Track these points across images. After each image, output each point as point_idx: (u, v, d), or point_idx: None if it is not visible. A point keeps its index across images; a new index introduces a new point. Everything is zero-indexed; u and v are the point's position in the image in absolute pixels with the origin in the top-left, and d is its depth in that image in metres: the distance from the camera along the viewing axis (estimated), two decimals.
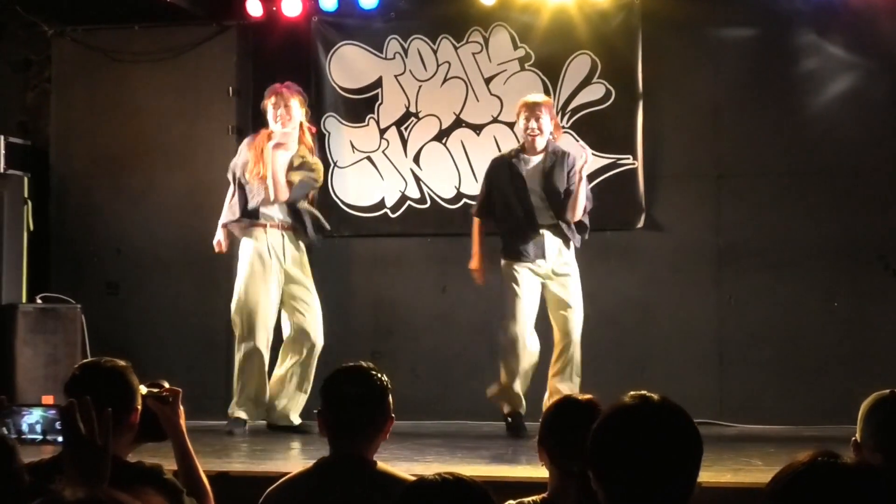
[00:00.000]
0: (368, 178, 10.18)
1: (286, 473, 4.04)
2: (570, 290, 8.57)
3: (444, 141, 10.08)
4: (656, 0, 9.63)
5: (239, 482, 5.79)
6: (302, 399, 8.78)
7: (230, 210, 8.98)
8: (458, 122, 10.07)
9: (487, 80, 10.04)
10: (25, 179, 10.21)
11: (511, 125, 9.92)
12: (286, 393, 8.79)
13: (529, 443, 3.83)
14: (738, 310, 9.56)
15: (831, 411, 8.43)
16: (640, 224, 9.66)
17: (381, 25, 10.21)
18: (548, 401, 8.07)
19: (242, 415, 8.80)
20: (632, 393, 2.71)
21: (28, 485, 3.01)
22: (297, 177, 8.84)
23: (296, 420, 8.80)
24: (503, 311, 8.62)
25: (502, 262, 8.67)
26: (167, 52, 10.38)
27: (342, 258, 10.25)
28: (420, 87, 10.14)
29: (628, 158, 9.67)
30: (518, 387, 8.53)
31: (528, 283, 8.55)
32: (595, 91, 9.77)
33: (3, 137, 10.13)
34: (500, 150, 9.91)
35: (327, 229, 9.24)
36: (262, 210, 8.86)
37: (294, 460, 7.14)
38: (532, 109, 8.62)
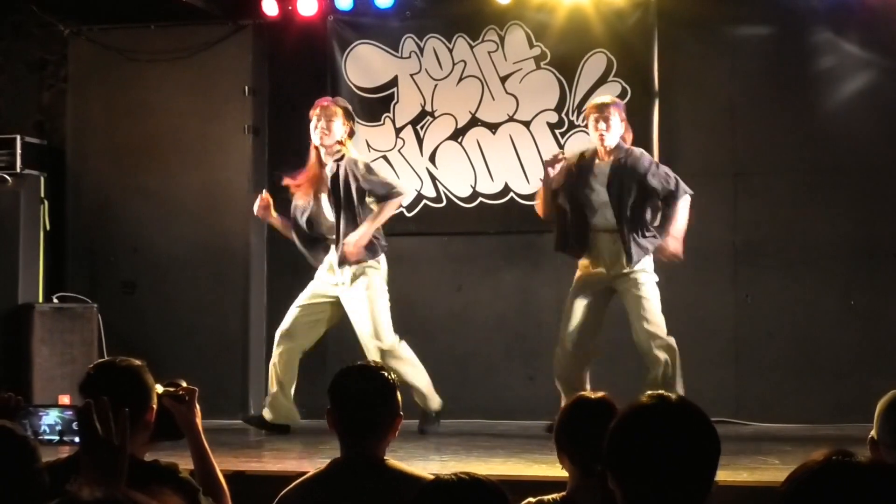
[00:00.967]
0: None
1: (302, 473, 4.04)
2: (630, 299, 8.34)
3: (459, 140, 10.07)
4: None
5: (255, 481, 5.79)
6: None
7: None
8: (474, 121, 10.06)
9: (503, 79, 10.03)
10: (42, 179, 10.24)
11: (527, 124, 9.93)
12: None
13: (545, 441, 3.82)
14: (755, 308, 9.55)
15: (848, 409, 8.42)
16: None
17: (397, 24, 10.21)
18: None
19: None
20: (649, 392, 2.70)
21: (48, 485, 3.02)
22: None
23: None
24: None
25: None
26: (183, 52, 10.40)
27: None
28: (436, 85, 10.14)
29: None
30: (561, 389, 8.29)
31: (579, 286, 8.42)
32: (611, 89, 9.75)
33: (19, 137, 10.16)
34: (515, 149, 9.93)
35: None
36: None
37: (309, 459, 7.14)
38: (600, 111, 8.33)
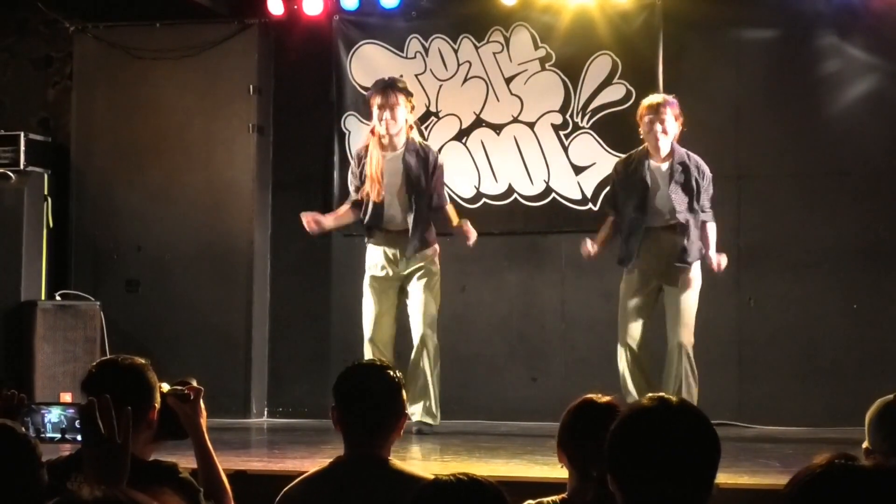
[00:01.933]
0: None
1: (304, 472, 4.04)
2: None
3: (464, 140, 10.08)
4: (677, 1, 9.62)
5: (257, 480, 5.79)
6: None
7: None
8: (479, 122, 10.06)
9: (508, 80, 10.03)
10: (46, 176, 10.24)
11: (531, 125, 9.92)
12: None
13: (548, 443, 3.81)
14: (758, 311, 9.55)
15: (851, 413, 8.36)
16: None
17: (402, 24, 10.22)
18: None
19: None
20: (650, 395, 2.70)
21: (47, 483, 3.02)
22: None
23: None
24: None
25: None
26: (188, 50, 10.40)
27: (362, 258, 10.25)
28: (440, 86, 10.14)
29: None
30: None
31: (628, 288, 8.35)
32: (616, 91, 9.76)
33: (23, 134, 10.17)
34: (519, 151, 9.93)
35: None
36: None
37: (312, 458, 7.14)
38: (655, 111, 8.16)
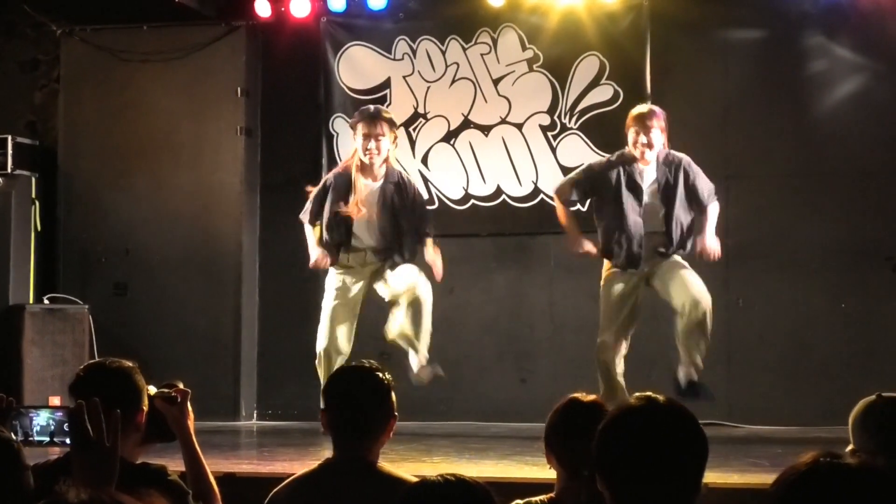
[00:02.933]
0: None
1: (293, 474, 4.04)
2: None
3: (452, 142, 10.08)
4: (665, 2, 9.63)
5: (246, 483, 5.78)
6: None
7: None
8: (467, 123, 10.07)
9: (496, 81, 10.04)
10: (33, 179, 10.24)
11: (519, 126, 9.93)
12: None
13: (537, 444, 3.82)
14: (747, 310, 9.56)
15: (840, 412, 8.36)
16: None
17: (390, 26, 10.22)
18: None
19: None
20: (637, 394, 2.70)
21: (33, 487, 3.01)
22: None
23: None
24: None
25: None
26: (176, 53, 10.40)
27: None
28: (428, 87, 10.15)
29: None
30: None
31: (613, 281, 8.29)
32: (603, 92, 9.77)
33: (11, 137, 10.16)
34: (507, 152, 9.93)
35: None
36: None
37: (301, 461, 7.13)
38: (642, 122, 8.06)
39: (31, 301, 9.99)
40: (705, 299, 8.03)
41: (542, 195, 9.89)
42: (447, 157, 10.05)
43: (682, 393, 7.92)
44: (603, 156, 9.42)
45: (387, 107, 10.07)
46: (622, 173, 8.18)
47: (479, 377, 9.92)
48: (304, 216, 8.49)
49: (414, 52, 10.18)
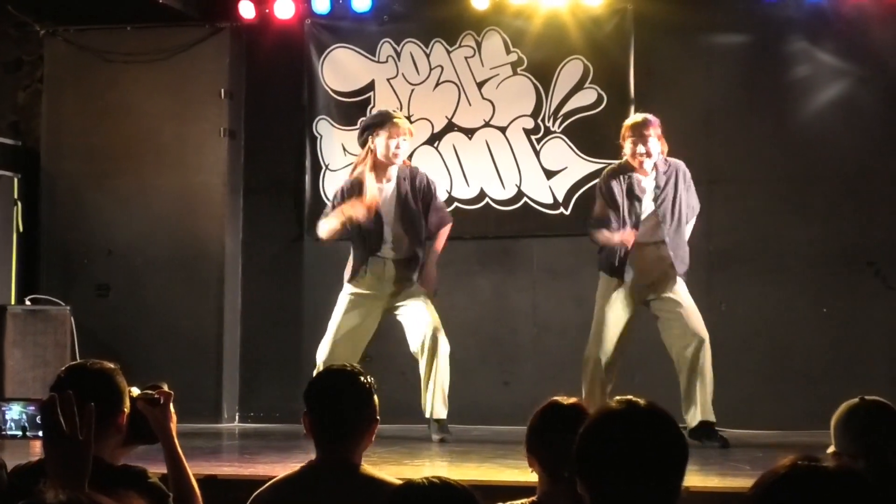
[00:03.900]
0: None
1: (275, 476, 4.03)
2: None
3: (435, 145, 10.08)
4: (649, 6, 9.64)
5: (228, 485, 5.78)
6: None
7: None
8: (451, 126, 10.07)
9: (480, 85, 10.04)
10: (15, 180, 10.21)
11: (503, 129, 9.94)
12: None
13: (520, 447, 3.82)
14: (729, 315, 9.57)
15: (821, 416, 8.36)
16: None
17: (374, 29, 10.22)
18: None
19: None
20: (618, 398, 2.71)
21: (7, 485, 2.99)
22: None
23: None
24: None
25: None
26: (159, 54, 10.38)
27: (334, 262, 10.23)
28: (412, 90, 10.15)
29: None
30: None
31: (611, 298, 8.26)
32: (587, 96, 9.78)
33: None
34: (491, 155, 9.93)
35: None
36: None
37: (283, 463, 7.12)
38: (639, 131, 8.06)
39: (13, 302, 9.96)
40: (705, 345, 8.07)
41: (525, 198, 9.89)
42: (431, 159, 10.04)
43: (690, 436, 7.86)
44: (587, 159, 9.47)
45: (370, 109, 10.10)
46: (623, 181, 8.16)
47: (462, 380, 9.88)
48: (323, 232, 8.54)
49: (398, 54, 10.19)
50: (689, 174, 8.24)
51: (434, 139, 10.08)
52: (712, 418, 8.09)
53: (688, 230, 8.26)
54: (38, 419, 3.09)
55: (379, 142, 8.38)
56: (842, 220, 9.45)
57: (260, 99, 10.45)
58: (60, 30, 10.58)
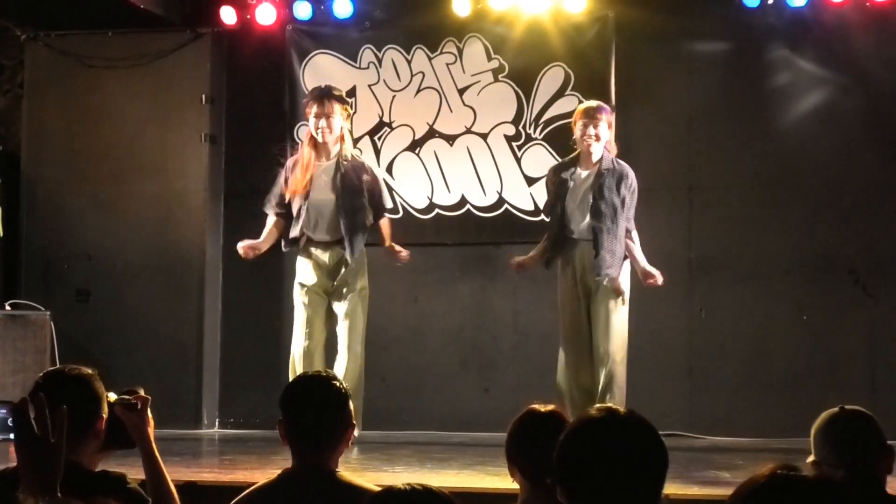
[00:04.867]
0: None
1: (254, 483, 4.02)
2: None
3: (417, 151, 10.08)
4: (630, 13, 9.66)
5: (207, 492, 5.76)
6: None
7: None
8: (432, 133, 10.07)
9: (461, 91, 10.05)
10: None
11: (484, 136, 9.94)
12: None
13: (501, 454, 3.82)
14: (709, 322, 9.59)
15: (801, 424, 8.39)
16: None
17: (356, 35, 10.22)
18: None
19: None
20: (598, 405, 2.71)
21: None
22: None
23: None
24: None
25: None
26: (140, 59, 10.36)
27: None
28: (394, 96, 10.15)
29: None
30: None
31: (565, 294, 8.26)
32: (568, 103, 9.78)
33: None
34: (472, 162, 9.94)
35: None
36: None
37: (262, 469, 7.11)
38: (591, 115, 8.03)
39: None
40: (619, 355, 7.95)
41: (506, 205, 9.90)
42: (412, 166, 10.05)
43: None
44: None
45: (352, 115, 10.08)
46: (569, 176, 8.15)
47: (443, 386, 9.92)
48: (268, 208, 8.51)
49: (379, 60, 10.19)
50: (634, 182, 8.09)
51: (415, 146, 10.09)
52: None
53: (620, 234, 8.07)
54: (9, 422, 3.08)
55: (310, 120, 8.39)
56: (822, 227, 9.48)
57: (241, 104, 10.44)
58: (41, 34, 10.56)
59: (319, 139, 8.34)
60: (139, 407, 3.92)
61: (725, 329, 9.57)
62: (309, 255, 8.43)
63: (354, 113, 10.02)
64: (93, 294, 10.32)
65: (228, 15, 10.12)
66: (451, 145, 10.04)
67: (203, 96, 10.31)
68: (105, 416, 3.78)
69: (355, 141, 10.04)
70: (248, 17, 10.14)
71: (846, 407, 3.91)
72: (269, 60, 10.31)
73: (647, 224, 9.40)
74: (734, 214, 9.65)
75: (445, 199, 10.00)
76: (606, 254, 7.93)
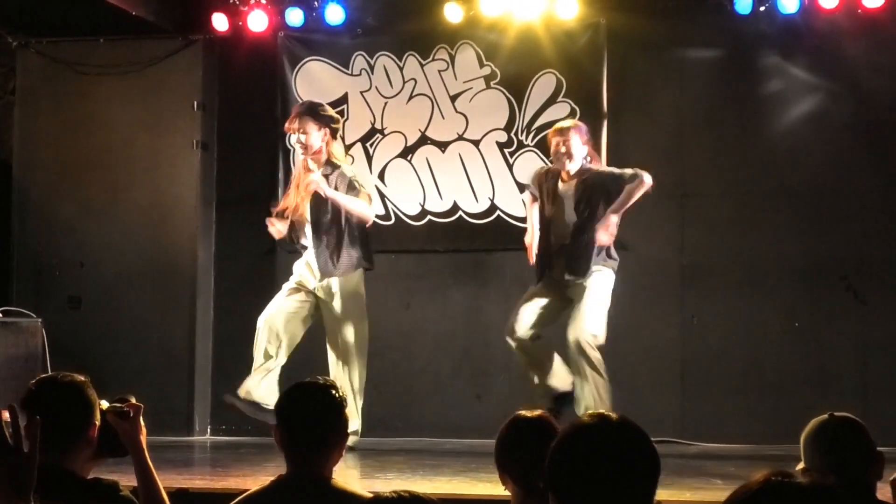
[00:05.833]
0: None
1: (246, 490, 4.02)
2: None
3: (409, 158, 10.09)
4: (622, 20, 9.67)
5: (199, 499, 5.76)
6: None
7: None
8: (424, 140, 10.08)
9: (453, 98, 10.05)
10: None
11: (476, 143, 9.95)
12: None
13: (492, 460, 3.82)
14: (701, 329, 9.60)
15: (793, 430, 8.39)
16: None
17: (348, 41, 10.22)
18: None
19: None
20: (590, 412, 2.71)
21: None
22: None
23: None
24: None
25: None
26: (132, 66, 10.36)
27: None
28: (386, 103, 10.16)
29: None
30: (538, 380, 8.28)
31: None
32: (560, 110, 9.79)
33: None
34: (464, 168, 9.95)
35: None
36: None
37: (255, 476, 7.11)
38: (561, 135, 8.21)
39: None
40: (585, 337, 8.04)
41: (498, 212, 9.91)
42: (404, 173, 10.06)
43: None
44: None
45: (344, 122, 10.09)
46: (549, 185, 8.27)
47: (435, 393, 9.92)
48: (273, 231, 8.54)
49: (371, 67, 10.19)
50: (607, 170, 8.26)
51: (407, 152, 10.09)
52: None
53: (591, 241, 8.16)
54: None
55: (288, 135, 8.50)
56: (813, 234, 9.49)
57: (233, 111, 10.44)
58: (33, 41, 10.55)
59: (300, 152, 8.44)
60: (131, 415, 3.92)
61: (717, 336, 9.57)
62: (303, 261, 8.50)
63: (346, 119, 10.03)
64: (85, 301, 10.31)
65: (220, 22, 10.12)
66: (444, 152, 10.05)
67: (195, 103, 10.31)
68: (98, 423, 3.78)
69: (347, 147, 10.06)
70: (240, 23, 10.14)
71: (835, 414, 3.91)
72: (261, 67, 10.31)
73: (639, 231, 9.43)
74: (726, 221, 9.66)
75: (438, 205, 10.00)
76: (584, 259, 8.11)
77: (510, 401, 8.76)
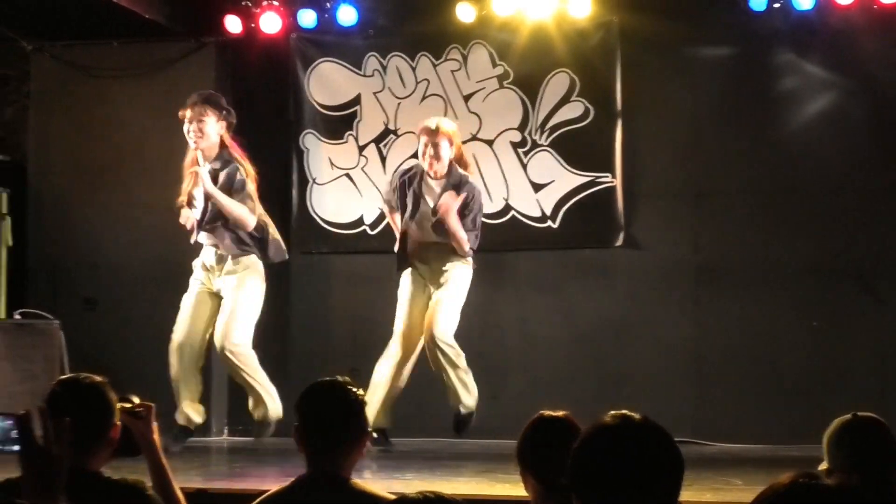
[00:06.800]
0: (347, 194, 10.18)
1: (266, 491, 4.02)
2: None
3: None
4: (635, 19, 9.65)
5: (219, 499, 5.77)
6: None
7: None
8: None
9: (466, 98, 10.05)
10: (4, 195, 10.17)
11: (490, 143, 9.95)
12: None
13: (510, 461, 3.82)
14: (716, 328, 9.58)
15: (810, 430, 8.38)
16: (619, 242, 9.67)
17: (360, 42, 10.22)
18: None
19: None
20: (612, 412, 2.70)
21: None
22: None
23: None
24: None
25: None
26: (145, 68, 10.37)
27: (321, 275, 10.25)
28: (399, 104, 10.15)
29: (607, 176, 9.69)
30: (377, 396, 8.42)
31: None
32: (574, 109, 9.79)
33: None
34: (478, 168, 9.94)
35: None
36: None
37: (273, 478, 7.11)
38: (430, 135, 8.41)
39: (2, 316, 9.93)
40: (439, 330, 8.36)
41: (513, 212, 9.90)
42: None
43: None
44: (574, 172, 9.48)
45: (357, 123, 10.11)
46: (416, 182, 8.47)
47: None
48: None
49: (384, 68, 10.19)
50: (479, 201, 8.49)
51: None
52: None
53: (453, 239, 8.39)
54: (13, 433, 3.08)
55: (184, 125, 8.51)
56: (829, 233, 9.46)
57: (246, 113, 10.39)
58: (47, 45, 10.57)
59: (192, 144, 8.46)
60: (144, 415, 3.93)
61: (733, 335, 9.55)
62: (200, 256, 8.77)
63: (359, 121, 10.05)
64: (100, 303, 10.32)
65: (233, 24, 10.13)
66: None
67: None
68: (119, 423, 3.79)
69: (361, 148, 10.08)
70: (253, 25, 10.14)
71: (859, 413, 3.91)
72: (273, 69, 10.32)
73: (653, 230, 9.44)
74: (741, 220, 9.64)
75: None
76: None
77: (526, 401, 8.76)
